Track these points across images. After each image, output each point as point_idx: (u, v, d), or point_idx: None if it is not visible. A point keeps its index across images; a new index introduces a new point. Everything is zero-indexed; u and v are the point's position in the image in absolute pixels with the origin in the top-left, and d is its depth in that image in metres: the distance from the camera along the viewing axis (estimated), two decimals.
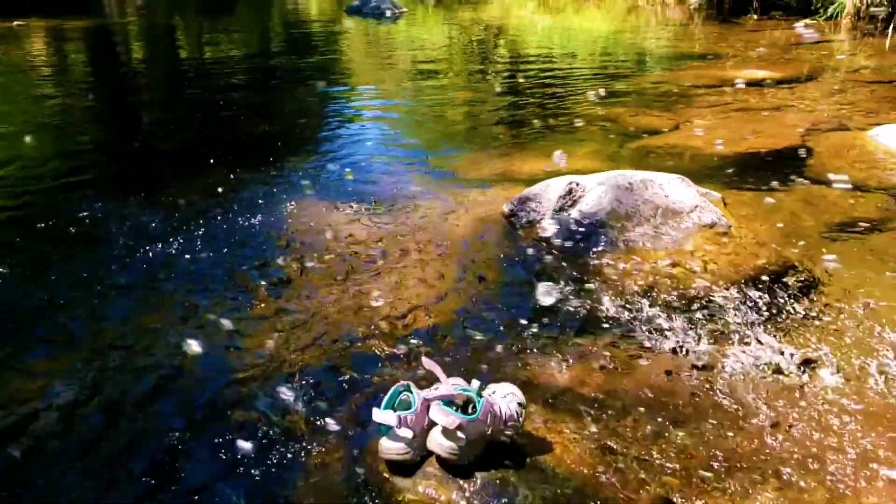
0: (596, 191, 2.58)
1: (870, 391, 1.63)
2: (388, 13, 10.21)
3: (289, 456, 1.45)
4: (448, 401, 1.38)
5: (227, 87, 5.33)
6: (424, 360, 1.51)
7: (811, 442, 1.47)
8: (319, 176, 3.17)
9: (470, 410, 1.38)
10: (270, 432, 1.51)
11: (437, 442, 1.36)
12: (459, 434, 1.35)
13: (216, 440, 1.48)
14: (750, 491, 1.34)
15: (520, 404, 1.48)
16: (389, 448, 1.40)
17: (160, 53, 7.79)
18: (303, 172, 3.23)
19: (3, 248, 2.48)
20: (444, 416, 1.33)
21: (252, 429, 1.52)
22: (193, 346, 1.80)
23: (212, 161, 3.32)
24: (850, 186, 2.90)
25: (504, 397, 1.47)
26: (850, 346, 1.81)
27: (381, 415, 1.39)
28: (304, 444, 1.48)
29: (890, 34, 7.03)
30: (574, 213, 2.52)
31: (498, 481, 1.35)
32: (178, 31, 9.78)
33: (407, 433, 1.39)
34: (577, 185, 2.62)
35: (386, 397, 1.43)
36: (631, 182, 2.63)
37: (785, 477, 1.37)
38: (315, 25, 10.29)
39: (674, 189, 2.63)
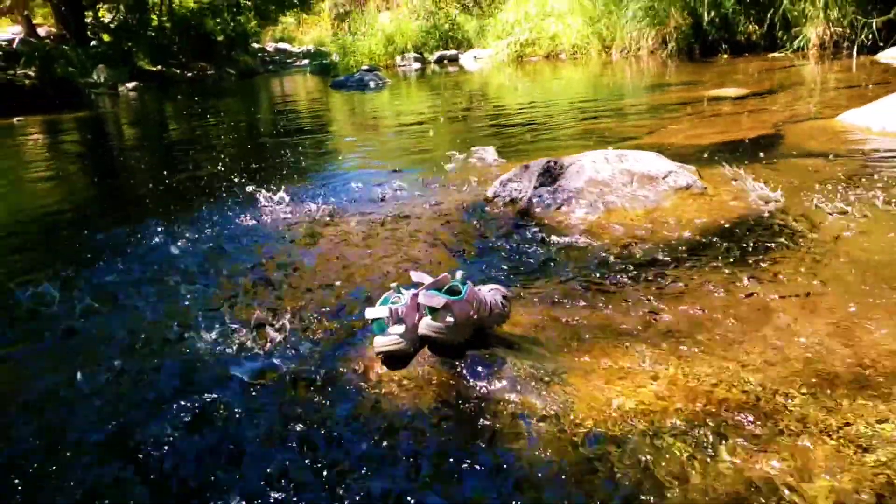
0: (573, 166, 2.78)
1: (805, 296, 1.77)
2: (372, 84, 10.80)
3: (297, 363, 1.56)
4: (436, 288, 1.51)
5: (217, 147, 5.64)
6: (413, 273, 1.64)
7: (746, 325, 1.59)
8: (316, 191, 3.37)
9: None
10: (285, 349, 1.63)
11: (427, 324, 1.48)
12: (448, 318, 1.47)
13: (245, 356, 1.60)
14: (675, 342, 1.45)
15: (504, 297, 1.60)
16: (383, 342, 1.51)
17: (151, 129, 8.23)
18: (300, 191, 3.43)
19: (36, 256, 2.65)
20: (431, 299, 1.46)
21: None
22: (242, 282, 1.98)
23: (205, 192, 3.53)
24: (819, 155, 3.10)
25: (489, 291, 1.60)
26: (806, 269, 1.95)
27: (373, 311, 1.51)
28: (310, 354, 1.59)
29: (855, 55, 7.51)
30: (553, 186, 2.70)
31: (487, 356, 1.46)
32: (168, 114, 10.31)
33: (398, 328, 1.51)
34: (555, 163, 2.82)
35: (379, 301, 1.56)
36: (606, 157, 2.83)
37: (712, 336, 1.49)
38: (301, 98, 10.88)
39: (648, 160, 2.82)
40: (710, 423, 1.22)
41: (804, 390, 1.31)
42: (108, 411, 1.45)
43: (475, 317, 1.51)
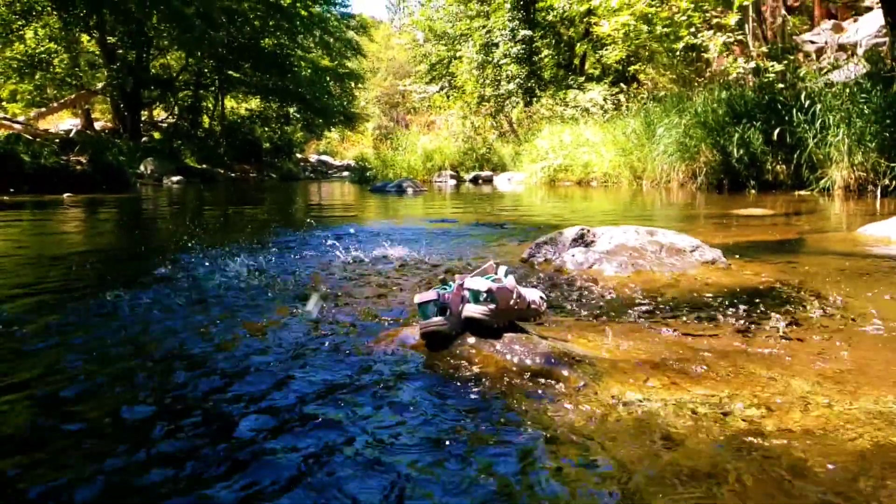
0: (605, 235, 3.05)
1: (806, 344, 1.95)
2: (410, 191, 11.48)
3: (347, 345, 1.76)
4: (481, 275, 1.73)
5: (251, 223, 6.06)
6: (458, 277, 1.87)
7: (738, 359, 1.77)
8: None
9: None
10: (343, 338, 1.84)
11: (471, 307, 1.69)
12: (490, 304, 1.68)
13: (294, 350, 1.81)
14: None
15: (541, 297, 1.81)
16: (427, 322, 1.70)
17: (190, 208, 8.78)
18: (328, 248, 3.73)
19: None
20: (476, 283, 1.68)
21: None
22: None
23: (241, 243, 3.86)
24: (838, 254, 3.33)
25: (529, 289, 1.81)
26: (805, 327, 2.14)
27: (421, 296, 1.72)
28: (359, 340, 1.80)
29: (879, 197, 7.89)
30: (586, 249, 2.95)
31: (524, 338, 1.65)
32: (207, 201, 10.99)
33: (443, 314, 1.71)
34: (588, 230, 3.09)
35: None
36: (637, 231, 3.10)
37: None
38: (338, 197, 11.53)
39: (676, 236, 3.08)
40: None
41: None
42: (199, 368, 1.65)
43: (515, 307, 1.71)
